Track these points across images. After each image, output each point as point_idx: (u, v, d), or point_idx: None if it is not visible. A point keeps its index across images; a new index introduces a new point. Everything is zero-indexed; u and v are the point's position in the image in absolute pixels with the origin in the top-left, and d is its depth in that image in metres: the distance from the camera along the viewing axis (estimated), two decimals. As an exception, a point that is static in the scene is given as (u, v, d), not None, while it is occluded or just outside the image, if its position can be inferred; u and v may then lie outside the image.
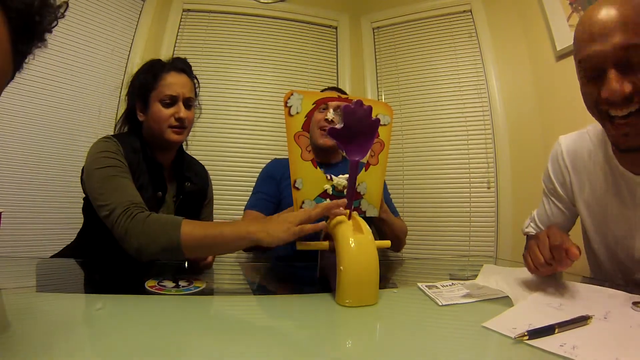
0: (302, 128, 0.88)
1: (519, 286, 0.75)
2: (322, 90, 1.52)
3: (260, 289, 0.96)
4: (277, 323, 0.62)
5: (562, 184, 0.97)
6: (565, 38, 1.71)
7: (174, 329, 0.54)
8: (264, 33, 2.07)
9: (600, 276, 0.98)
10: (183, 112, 1.09)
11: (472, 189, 1.96)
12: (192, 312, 0.63)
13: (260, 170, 1.53)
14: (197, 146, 1.83)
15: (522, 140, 1.90)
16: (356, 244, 0.69)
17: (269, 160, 1.56)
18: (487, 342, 0.53)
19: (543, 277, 0.77)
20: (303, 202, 0.89)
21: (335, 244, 0.71)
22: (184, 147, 1.25)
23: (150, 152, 1.11)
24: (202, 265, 0.97)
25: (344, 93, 1.19)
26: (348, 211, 0.79)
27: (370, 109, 0.76)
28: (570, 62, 1.70)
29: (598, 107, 0.74)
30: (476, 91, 2.01)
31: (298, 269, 1.19)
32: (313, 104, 0.88)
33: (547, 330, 0.51)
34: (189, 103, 1.12)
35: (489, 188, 1.93)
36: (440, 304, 0.68)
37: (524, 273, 0.79)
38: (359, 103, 0.75)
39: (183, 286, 0.76)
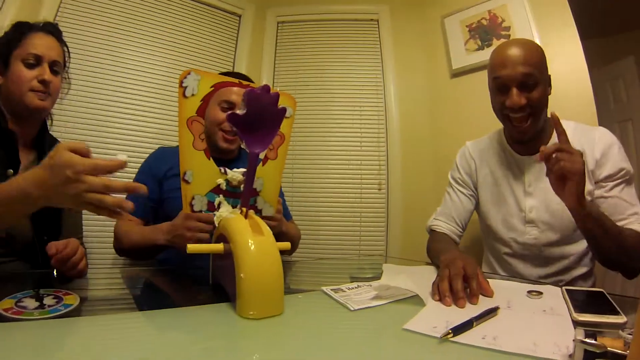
0: (196, 113, 0.77)
1: (426, 284, 0.75)
2: (221, 74, 1.38)
3: (146, 302, 0.79)
4: (173, 343, 0.48)
5: (468, 172, 1.22)
6: (460, 59, 1.90)
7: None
8: (161, 10, 1.82)
9: (495, 252, 1.18)
10: (47, 75, 0.96)
11: (363, 190, 2.00)
12: (65, 341, 0.47)
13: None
14: (70, 130, 1.52)
15: (414, 145, 2.02)
16: (256, 247, 0.60)
17: (155, 149, 1.38)
18: (414, 345, 0.50)
19: None
20: (193, 198, 0.78)
21: (233, 247, 0.61)
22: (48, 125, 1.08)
23: (2, 120, 0.94)
24: (73, 274, 0.79)
25: (249, 80, 1.09)
26: (244, 210, 0.70)
27: (277, 96, 0.68)
28: (462, 80, 1.90)
29: (503, 111, 1.04)
30: (374, 97, 2.07)
31: (186, 275, 1.05)
32: (211, 87, 0.78)
33: (467, 325, 0.53)
34: (55, 67, 0.99)
35: (380, 189, 1.99)
36: (352, 308, 0.63)
37: (426, 271, 0.82)
38: (266, 88, 0.67)
39: (50, 305, 0.58)
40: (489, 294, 0.71)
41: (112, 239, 1.23)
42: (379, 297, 0.70)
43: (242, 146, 0.69)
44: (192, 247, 0.64)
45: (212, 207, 0.77)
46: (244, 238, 0.61)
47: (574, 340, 0.41)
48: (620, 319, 0.55)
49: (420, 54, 2.10)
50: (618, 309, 0.59)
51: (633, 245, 0.89)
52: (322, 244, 1.96)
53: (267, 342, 0.51)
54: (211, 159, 0.79)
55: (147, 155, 1.36)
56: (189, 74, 0.74)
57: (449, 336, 0.49)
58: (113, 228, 1.22)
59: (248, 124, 0.68)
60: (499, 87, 1.01)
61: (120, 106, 1.65)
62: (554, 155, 0.81)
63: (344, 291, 0.74)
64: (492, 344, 0.48)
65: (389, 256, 1.85)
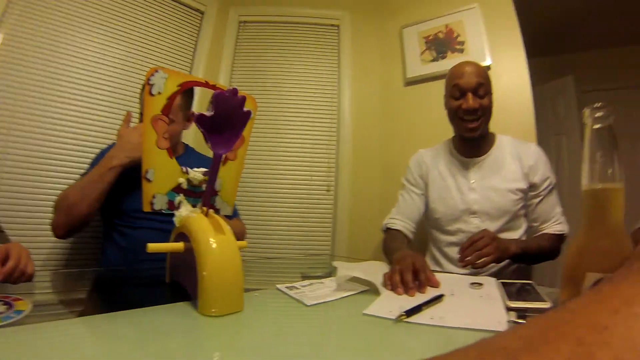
0: (161, 111, 0.77)
1: (379, 276, 0.83)
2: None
3: (101, 304, 0.77)
4: (135, 345, 0.47)
5: (420, 174, 1.37)
6: (415, 68, 2.00)
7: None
8: (117, 4, 1.73)
9: (440, 243, 1.31)
10: None
11: (312, 191, 2.03)
12: (22, 351, 0.43)
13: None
14: (18, 122, 1.42)
15: (364, 150, 2.08)
16: (218, 245, 0.62)
17: (109, 144, 1.35)
18: (372, 327, 0.57)
19: None
20: (154, 197, 0.77)
21: (194, 245, 0.62)
22: None
23: None
24: (22, 280, 0.75)
25: None
26: (205, 209, 0.72)
27: (244, 99, 0.71)
28: (415, 89, 2.00)
29: (458, 114, 1.23)
30: (329, 101, 2.11)
31: (139, 275, 1.04)
32: (178, 86, 0.78)
33: (417, 309, 0.62)
34: None
35: (328, 191, 2.03)
36: (308, 304, 0.67)
37: (377, 265, 0.93)
38: (234, 91, 0.69)
39: (0, 312, 0.54)
40: (435, 284, 0.81)
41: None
42: (332, 293, 0.75)
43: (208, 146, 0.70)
44: (152, 247, 0.65)
45: (172, 206, 0.78)
46: (205, 236, 0.62)
47: (508, 321, 0.49)
48: (546, 304, 0.65)
49: (377, 61, 2.17)
50: (543, 296, 0.69)
51: (550, 247, 1.17)
52: (270, 243, 1.97)
53: (231, 337, 0.53)
54: (174, 158, 0.80)
55: (99, 150, 1.33)
56: (156, 71, 0.74)
57: (403, 318, 0.58)
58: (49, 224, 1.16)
59: (214, 126, 0.70)
60: (457, 94, 1.22)
61: (72, 100, 1.55)
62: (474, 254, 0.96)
63: (298, 288, 0.78)
64: (440, 322, 0.58)
65: (335, 255, 1.90)
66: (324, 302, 0.69)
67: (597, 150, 0.40)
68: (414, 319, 0.59)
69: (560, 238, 1.20)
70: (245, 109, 0.72)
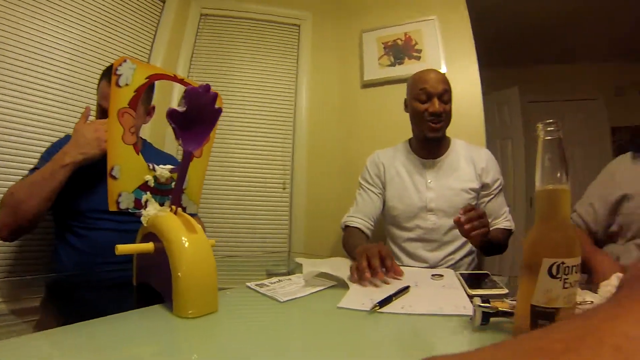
0: (128, 104, 0.74)
1: (345, 271, 0.86)
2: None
3: (65, 314, 0.68)
4: (117, 355, 0.44)
5: (377, 174, 1.41)
6: (373, 72, 2.06)
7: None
8: None
9: (398, 239, 1.37)
10: None
11: (267, 189, 2.03)
12: None
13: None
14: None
15: (321, 148, 2.11)
16: (191, 245, 0.60)
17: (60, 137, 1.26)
18: (348, 319, 0.59)
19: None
20: (120, 195, 0.74)
21: (167, 245, 0.60)
22: None
23: None
24: None
25: None
26: (175, 207, 0.70)
27: (216, 95, 0.70)
28: (372, 91, 2.07)
29: (424, 117, 1.28)
30: (286, 99, 2.12)
31: (101, 278, 0.98)
32: (146, 79, 0.75)
33: (388, 300, 0.66)
34: None
35: (284, 189, 2.05)
36: (281, 300, 0.67)
37: (341, 261, 0.96)
38: (207, 88, 0.67)
39: None
40: (400, 275, 0.86)
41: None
42: (302, 289, 0.76)
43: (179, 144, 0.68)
44: (122, 249, 0.62)
45: (139, 205, 0.75)
46: (178, 236, 0.60)
47: (473, 306, 0.54)
48: (503, 291, 0.73)
49: (335, 62, 2.21)
50: (500, 284, 0.77)
51: (503, 240, 1.26)
52: (227, 241, 1.95)
53: (210, 338, 0.52)
54: (140, 154, 0.77)
55: (49, 143, 1.24)
56: (124, 61, 0.71)
57: (376, 308, 0.62)
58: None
59: (186, 122, 0.68)
60: (423, 97, 1.28)
61: (19, 87, 1.41)
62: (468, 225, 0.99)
63: (268, 285, 0.78)
64: (410, 310, 0.62)
65: (293, 252, 1.92)
66: (296, 297, 0.70)
67: (548, 157, 0.46)
68: (386, 309, 0.63)
69: (509, 233, 1.30)
70: (217, 106, 0.71)
